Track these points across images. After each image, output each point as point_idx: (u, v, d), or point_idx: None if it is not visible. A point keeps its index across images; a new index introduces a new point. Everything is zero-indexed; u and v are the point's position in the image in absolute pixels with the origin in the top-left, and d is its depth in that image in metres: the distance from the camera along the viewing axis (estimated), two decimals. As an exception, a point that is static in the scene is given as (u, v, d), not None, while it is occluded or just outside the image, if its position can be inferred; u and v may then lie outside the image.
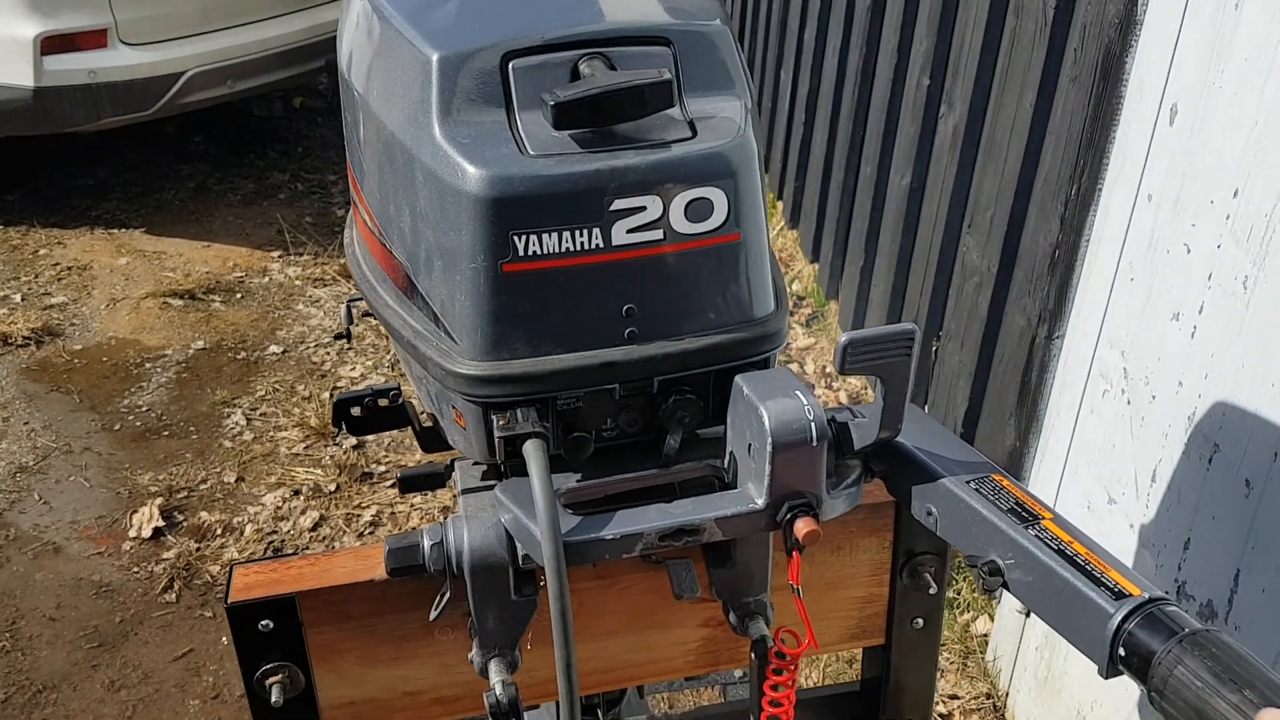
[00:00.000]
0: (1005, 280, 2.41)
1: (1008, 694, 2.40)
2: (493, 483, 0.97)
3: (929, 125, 2.91)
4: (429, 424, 1.09)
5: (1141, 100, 1.84)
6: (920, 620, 1.15)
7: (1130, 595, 0.74)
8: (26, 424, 3.47)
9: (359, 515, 3.14)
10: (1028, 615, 2.30)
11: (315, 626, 1.01)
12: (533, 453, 0.85)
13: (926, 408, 2.88)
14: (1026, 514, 0.83)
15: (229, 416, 3.54)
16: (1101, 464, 1.98)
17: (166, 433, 3.46)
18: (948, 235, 2.76)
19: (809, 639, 0.92)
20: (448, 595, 0.96)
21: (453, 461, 1.09)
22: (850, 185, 3.60)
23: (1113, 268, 1.92)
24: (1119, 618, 0.73)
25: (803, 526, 0.85)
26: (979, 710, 2.40)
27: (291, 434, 3.46)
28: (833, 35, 3.72)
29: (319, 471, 3.28)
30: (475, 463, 1.03)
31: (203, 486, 3.23)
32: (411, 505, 3.21)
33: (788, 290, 4.05)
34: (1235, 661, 0.67)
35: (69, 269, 4.36)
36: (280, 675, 1.01)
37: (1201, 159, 1.65)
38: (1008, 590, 0.82)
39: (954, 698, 2.43)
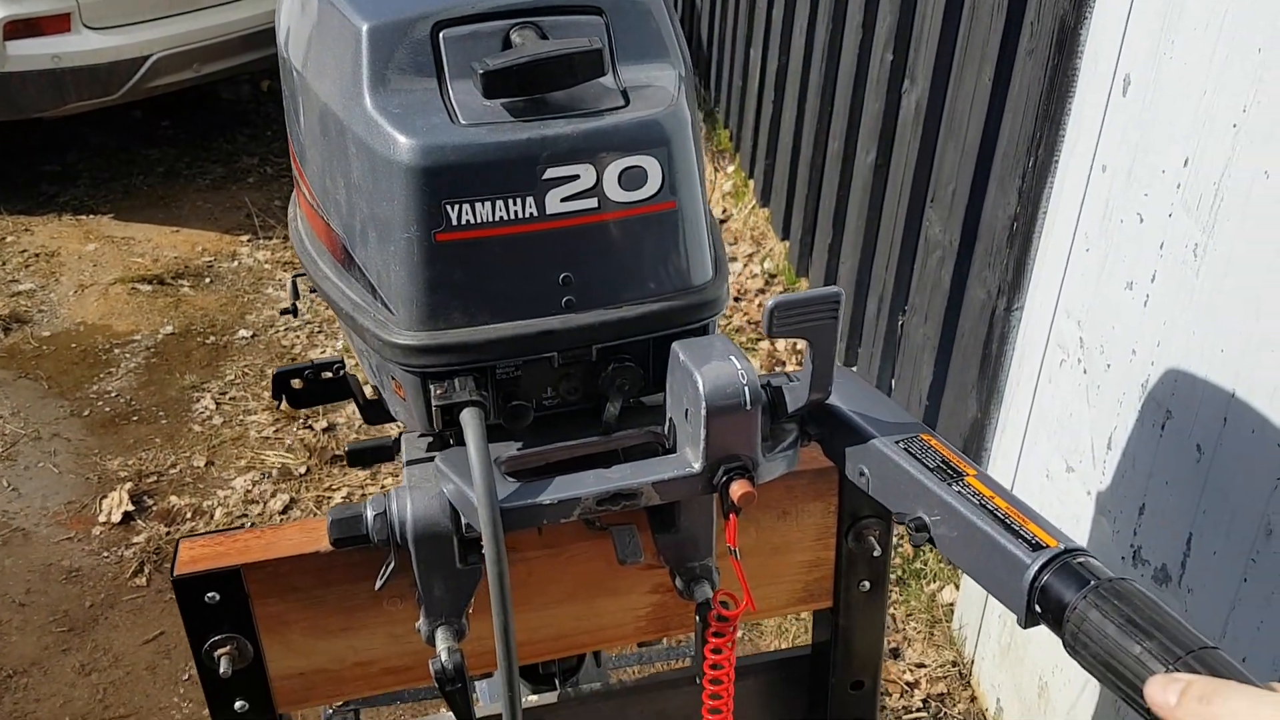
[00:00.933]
0: (966, 254, 2.43)
1: (973, 662, 2.42)
2: (434, 454, 0.97)
3: (893, 101, 2.92)
4: (374, 397, 1.09)
5: (1096, 72, 1.85)
6: (866, 583, 1.16)
7: (1047, 547, 0.76)
8: (-6, 411, 3.46)
9: (330, 497, 3.14)
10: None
11: (262, 598, 1.02)
12: (469, 420, 0.86)
13: (893, 382, 2.90)
14: (951, 471, 0.84)
15: (198, 401, 3.53)
16: (1060, 433, 2.00)
17: (136, 418, 3.45)
18: (911, 210, 2.77)
19: (746, 601, 0.93)
20: (392, 565, 0.97)
21: (400, 435, 1.10)
22: (818, 163, 3.61)
23: (1069, 239, 1.93)
24: (1035, 568, 0.74)
25: (738, 489, 0.86)
26: (945, 678, 2.43)
27: (261, 417, 3.46)
28: (800, 11, 3.72)
29: (289, 455, 3.28)
30: (421, 435, 1.03)
31: (172, 471, 3.22)
32: (381, 486, 3.21)
33: (750, 262, 4.06)
34: (1143, 610, 0.68)
35: (36, 255, 4.33)
36: (229, 647, 1.02)
37: (1153, 129, 1.67)
38: (933, 545, 0.83)
39: (921, 666, 2.46)
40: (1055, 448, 2.02)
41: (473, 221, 0.85)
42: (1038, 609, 0.74)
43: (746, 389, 0.86)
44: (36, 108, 4.29)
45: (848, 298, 3.29)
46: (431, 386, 0.89)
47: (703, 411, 0.85)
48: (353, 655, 1.08)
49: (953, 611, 2.54)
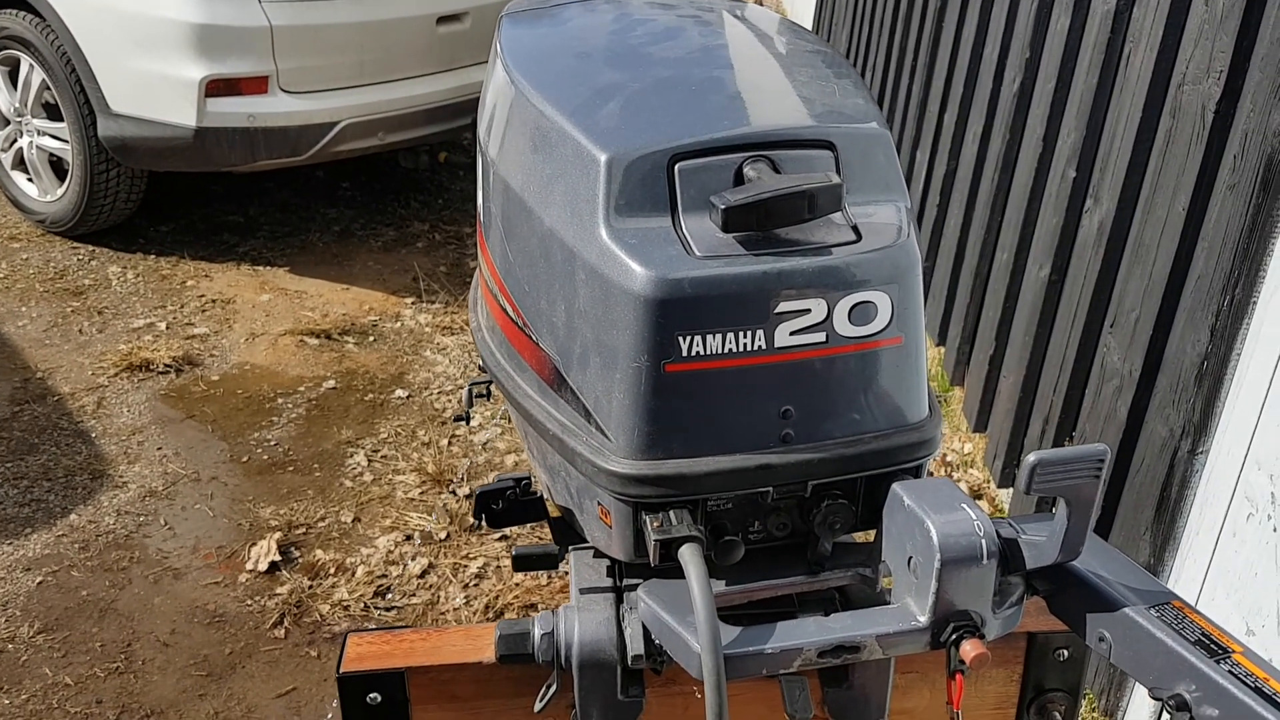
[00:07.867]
0: (1148, 386, 2.31)
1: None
2: (610, 579, 0.96)
3: (1072, 218, 2.84)
4: (556, 514, 1.09)
5: (1307, 214, 1.76)
6: (1044, 757, 1.09)
7: None
8: (159, 449, 3.61)
9: (466, 566, 3.17)
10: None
11: (422, 704, 1.01)
12: (691, 558, 0.83)
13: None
14: (1215, 647, 0.78)
15: (351, 456, 3.62)
16: (1241, 591, 1.87)
17: (291, 468, 3.55)
18: (1087, 333, 2.67)
19: None
20: (555, 688, 0.95)
21: (567, 546, 1.09)
22: (983, 271, 3.54)
23: (1265, 384, 1.82)
24: None
25: (970, 649, 0.81)
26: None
27: (409, 478, 3.52)
28: (974, 120, 3.67)
29: (431, 519, 3.32)
30: (595, 555, 1.02)
31: (321, 524, 3.30)
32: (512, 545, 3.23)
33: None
34: None
35: (213, 301, 4.54)
36: (382, 749, 1.01)
37: (1371, 281, 1.57)
38: None
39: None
40: (1235, 606, 1.89)
41: (702, 353, 0.84)
42: None
43: (984, 541, 0.82)
44: (228, 162, 4.53)
45: (1008, 413, 3.18)
46: (647, 518, 0.87)
47: (936, 563, 0.81)
48: (502, 770, 1.06)
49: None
